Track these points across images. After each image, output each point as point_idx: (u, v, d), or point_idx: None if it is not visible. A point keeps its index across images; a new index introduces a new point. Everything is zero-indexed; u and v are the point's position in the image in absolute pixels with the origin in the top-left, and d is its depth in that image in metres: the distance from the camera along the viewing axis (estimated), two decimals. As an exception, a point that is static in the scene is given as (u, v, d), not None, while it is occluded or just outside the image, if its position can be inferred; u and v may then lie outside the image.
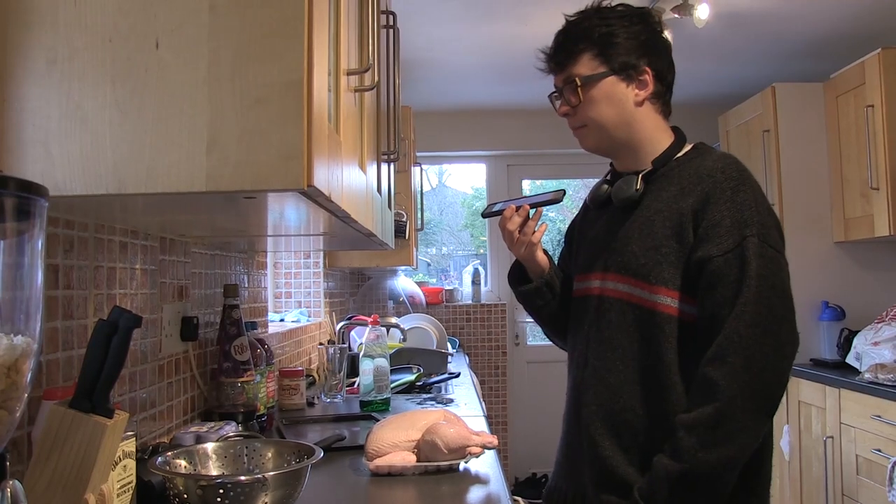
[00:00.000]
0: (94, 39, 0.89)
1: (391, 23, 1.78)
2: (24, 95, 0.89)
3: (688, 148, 1.42)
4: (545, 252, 1.56)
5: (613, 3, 1.45)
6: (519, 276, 1.59)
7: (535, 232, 1.49)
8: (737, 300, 1.22)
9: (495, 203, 1.56)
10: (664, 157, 1.40)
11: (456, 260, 5.34)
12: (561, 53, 1.42)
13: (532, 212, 1.49)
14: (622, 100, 1.38)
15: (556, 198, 1.50)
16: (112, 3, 0.89)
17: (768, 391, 1.23)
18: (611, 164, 1.52)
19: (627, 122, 1.39)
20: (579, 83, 1.38)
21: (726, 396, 1.19)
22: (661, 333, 1.30)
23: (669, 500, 1.20)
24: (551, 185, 5.17)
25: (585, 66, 1.38)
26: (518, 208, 1.49)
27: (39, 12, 0.89)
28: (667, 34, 1.47)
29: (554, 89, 1.47)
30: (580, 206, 1.66)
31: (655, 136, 1.41)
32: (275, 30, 0.88)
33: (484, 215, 1.59)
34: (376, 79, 1.34)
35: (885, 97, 3.06)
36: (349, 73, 1.24)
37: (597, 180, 1.55)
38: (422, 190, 3.93)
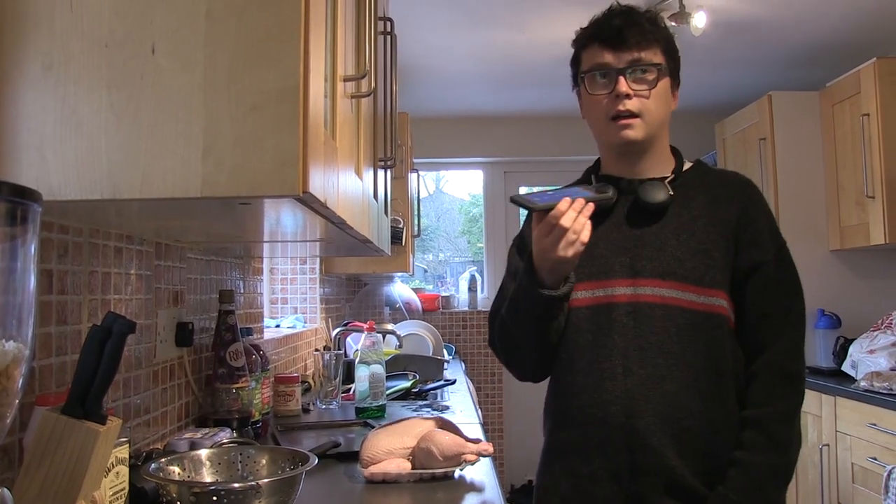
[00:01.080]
0: (89, 44, 0.88)
1: (388, 29, 1.78)
2: (20, 100, 0.89)
3: (690, 164, 1.46)
4: None
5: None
6: (536, 280, 1.33)
7: (583, 230, 1.27)
8: (793, 300, 1.35)
9: (531, 195, 1.34)
10: (679, 167, 1.42)
11: (453, 266, 5.34)
12: (639, 33, 1.34)
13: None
14: (669, 103, 1.40)
15: (608, 195, 1.35)
16: (108, 9, 0.88)
17: (804, 386, 1.36)
18: (592, 173, 1.47)
19: (664, 127, 1.40)
20: (663, 68, 1.35)
21: (796, 392, 1.32)
22: (722, 335, 1.32)
23: (776, 493, 1.28)
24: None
25: (657, 57, 1.35)
26: (572, 201, 1.27)
27: (36, 17, 0.89)
28: None
29: (598, 66, 1.35)
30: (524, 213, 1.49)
31: (667, 147, 1.45)
32: (271, 36, 0.88)
33: (533, 209, 1.30)
34: (373, 85, 1.34)
35: (880, 106, 3.07)
36: (346, 80, 1.24)
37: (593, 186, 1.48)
38: (419, 196, 3.93)
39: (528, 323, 1.37)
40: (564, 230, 1.25)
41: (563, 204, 1.26)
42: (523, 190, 4.98)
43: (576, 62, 1.43)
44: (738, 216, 1.35)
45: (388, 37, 1.78)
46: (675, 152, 1.46)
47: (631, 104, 1.33)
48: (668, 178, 1.39)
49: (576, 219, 1.26)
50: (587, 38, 1.39)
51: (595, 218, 1.30)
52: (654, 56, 1.34)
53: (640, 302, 1.33)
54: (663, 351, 1.30)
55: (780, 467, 1.26)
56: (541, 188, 5.03)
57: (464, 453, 1.47)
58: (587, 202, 1.28)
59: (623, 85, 1.32)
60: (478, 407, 2.79)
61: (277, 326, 2.95)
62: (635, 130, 1.34)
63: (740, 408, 1.31)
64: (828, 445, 2.97)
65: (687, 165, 1.45)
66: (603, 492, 1.32)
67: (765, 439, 1.26)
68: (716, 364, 1.30)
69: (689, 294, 1.31)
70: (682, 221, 1.35)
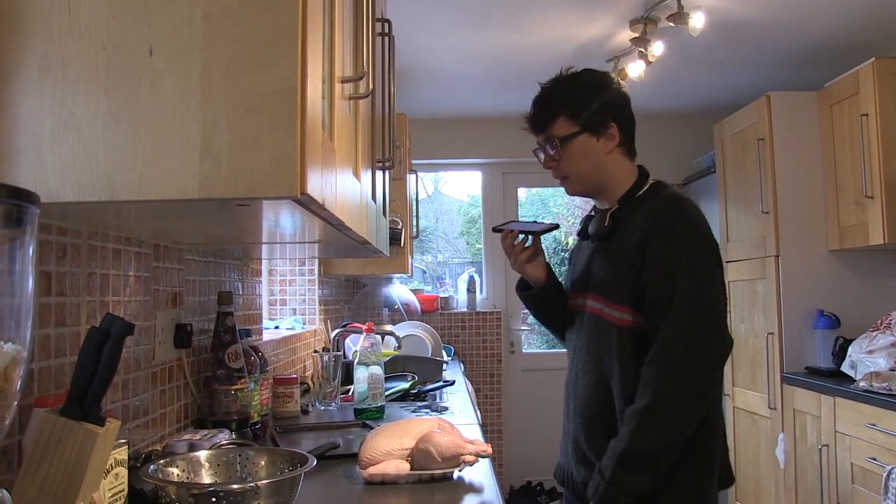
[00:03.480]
0: (87, 47, 0.89)
1: (386, 30, 1.78)
2: (18, 103, 0.89)
3: (647, 186, 1.68)
4: (548, 266, 1.81)
5: (579, 69, 1.71)
6: (524, 282, 1.85)
7: (521, 253, 1.76)
8: (668, 315, 1.49)
9: (509, 222, 1.86)
10: (626, 197, 1.67)
11: (451, 267, 5.34)
12: (540, 118, 1.68)
13: (520, 237, 1.77)
14: (595, 152, 1.66)
15: (541, 230, 1.77)
16: (105, 11, 0.89)
17: (696, 388, 1.49)
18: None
19: (601, 171, 1.67)
20: (558, 143, 1.65)
21: (657, 392, 1.46)
22: (615, 342, 1.57)
23: (615, 474, 1.47)
24: (547, 192, 5.19)
25: (561, 127, 1.65)
26: (511, 231, 1.78)
27: (33, 20, 0.89)
28: (624, 88, 1.75)
29: (537, 146, 1.73)
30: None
31: (623, 178, 1.68)
32: (268, 38, 0.88)
33: (493, 229, 1.86)
34: (371, 86, 1.34)
35: (878, 106, 3.07)
36: (344, 81, 1.24)
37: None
38: (417, 197, 3.93)
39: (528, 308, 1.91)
40: (504, 249, 1.79)
41: (505, 233, 1.78)
42: (521, 192, 5.00)
43: None
44: (641, 242, 1.55)
45: (386, 38, 1.78)
46: (640, 173, 1.70)
47: (556, 172, 1.71)
48: (612, 208, 1.67)
49: (512, 245, 1.76)
50: None
51: (584, 242, 1.78)
52: (559, 128, 1.65)
53: (586, 312, 1.68)
54: (587, 352, 1.66)
55: (618, 453, 1.47)
56: (539, 190, 5.04)
57: (462, 454, 1.47)
58: (521, 234, 1.77)
59: (544, 162, 1.72)
60: (476, 408, 2.80)
61: (276, 328, 2.95)
62: (569, 187, 1.73)
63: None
64: (827, 446, 2.97)
65: (646, 188, 1.67)
66: (562, 455, 1.77)
67: (623, 430, 1.50)
68: (609, 367, 1.59)
69: (607, 308, 1.61)
70: (614, 247, 1.63)
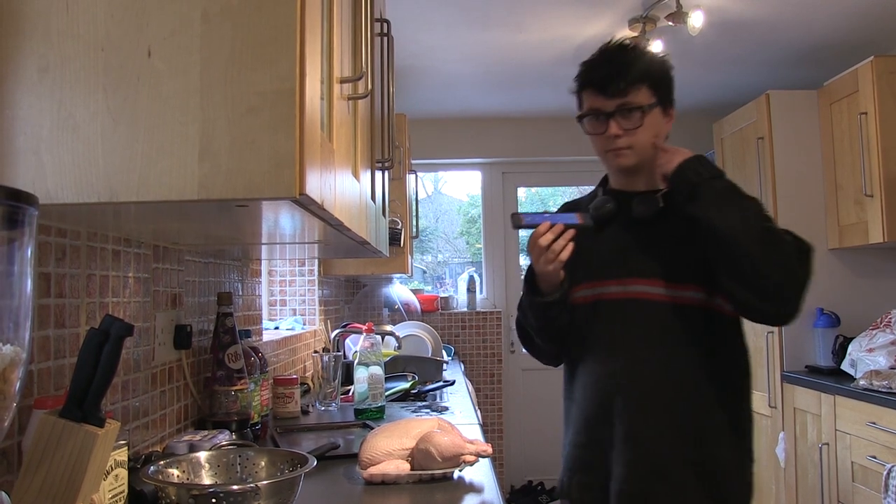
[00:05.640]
0: (86, 48, 0.88)
1: (385, 31, 1.78)
2: (16, 104, 0.89)
3: None
4: None
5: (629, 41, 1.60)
6: (533, 286, 1.59)
7: (563, 250, 1.50)
8: None
9: (525, 215, 1.55)
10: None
11: (451, 267, 5.34)
12: (622, 81, 1.52)
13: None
14: (660, 128, 1.57)
15: (587, 222, 1.53)
16: (104, 12, 0.88)
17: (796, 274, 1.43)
18: (602, 184, 1.69)
19: (656, 148, 1.56)
20: (644, 110, 1.52)
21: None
22: (686, 324, 1.49)
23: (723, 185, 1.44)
24: (547, 192, 5.18)
25: (644, 96, 1.53)
26: (552, 225, 1.51)
27: (31, 20, 0.89)
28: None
29: (588, 111, 1.57)
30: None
31: None
32: (267, 38, 0.88)
33: (515, 227, 1.57)
34: (370, 87, 1.34)
35: (878, 104, 3.07)
36: (342, 81, 1.24)
37: (590, 188, 1.67)
38: (417, 197, 3.93)
39: (534, 321, 1.62)
40: (541, 248, 1.50)
41: (543, 227, 1.51)
42: (521, 191, 4.99)
43: (578, 99, 1.62)
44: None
45: (385, 38, 1.78)
46: None
47: (621, 142, 1.54)
48: (662, 190, 1.55)
49: (553, 240, 1.49)
50: (583, 82, 1.59)
51: (598, 227, 1.59)
52: (640, 97, 1.53)
53: (628, 299, 1.54)
54: (645, 341, 1.52)
55: (770, 229, 1.42)
56: (538, 189, 5.04)
57: (463, 454, 1.47)
58: (566, 227, 1.50)
59: (613, 128, 1.54)
60: (477, 408, 2.80)
61: (276, 328, 2.95)
62: (627, 159, 1.56)
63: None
64: (827, 444, 2.97)
65: None
66: (583, 470, 1.57)
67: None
68: (686, 350, 1.51)
69: (670, 290, 1.51)
70: (670, 227, 1.54)
